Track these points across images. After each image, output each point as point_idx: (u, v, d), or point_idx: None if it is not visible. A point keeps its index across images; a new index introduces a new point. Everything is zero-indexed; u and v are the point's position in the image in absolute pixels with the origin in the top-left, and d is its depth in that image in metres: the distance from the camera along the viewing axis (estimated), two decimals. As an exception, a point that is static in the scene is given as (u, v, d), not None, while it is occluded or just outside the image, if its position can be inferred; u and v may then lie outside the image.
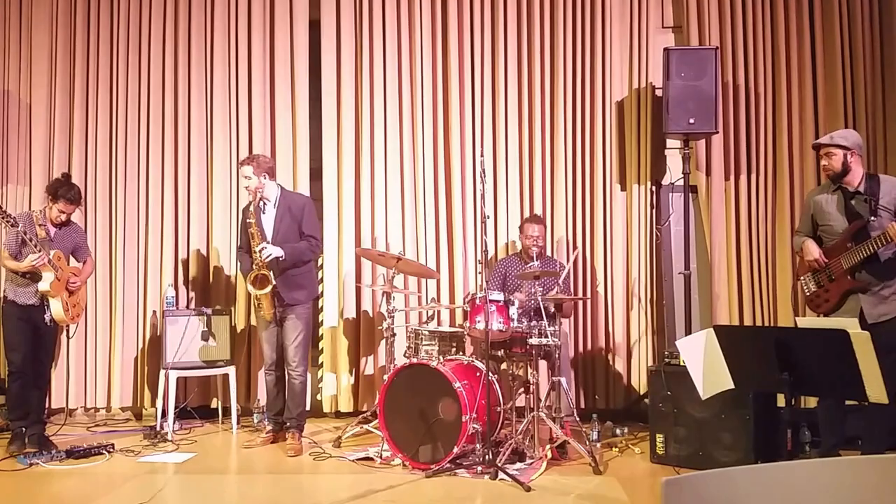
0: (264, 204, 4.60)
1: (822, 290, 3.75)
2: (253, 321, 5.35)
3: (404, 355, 4.55)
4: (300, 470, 4.17)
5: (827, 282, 3.72)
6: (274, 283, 4.42)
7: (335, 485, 3.88)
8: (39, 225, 4.34)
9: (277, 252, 4.44)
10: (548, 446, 4.11)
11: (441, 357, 4.26)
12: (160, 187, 5.56)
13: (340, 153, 5.56)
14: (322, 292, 5.51)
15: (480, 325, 4.13)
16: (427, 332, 4.46)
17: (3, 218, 4.16)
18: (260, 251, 4.39)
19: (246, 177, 4.56)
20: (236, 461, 4.41)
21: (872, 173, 3.79)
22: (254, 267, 4.43)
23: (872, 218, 3.59)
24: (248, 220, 4.54)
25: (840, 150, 3.68)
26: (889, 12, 5.35)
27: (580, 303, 5.33)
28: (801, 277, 3.88)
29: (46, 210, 4.49)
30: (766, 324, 5.23)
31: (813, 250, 3.77)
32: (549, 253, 5.28)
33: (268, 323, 4.59)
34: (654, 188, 5.48)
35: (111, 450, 4.43)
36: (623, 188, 5.50)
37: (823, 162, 3.74)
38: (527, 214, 5.41)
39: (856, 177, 3.71)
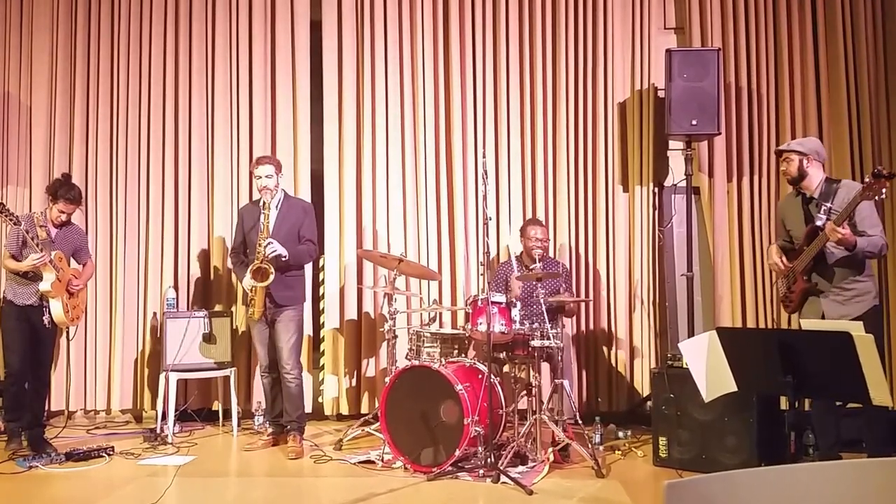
0: (264, 204, 4.55)
1: (788, 292, 3.90)
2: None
3: (406, 357, 4.54)
4: (301, 473, 4.16)
5: (792, 283, 3.87)
6: (273, 274, 4.39)
7: (336, 488, 3.87)
8: (40, 226, 4.35)
9: (282, 250, 4.42)
10: (550, 449, 4.09)
11: (443, 359, 4.25)
12: (161, 189, 5.55)
13: (342, 154, 5.55)
14: (323, 294, 5.51)
15: (482, 327, 4.11)
16: (429, 334, 4.45)
17: (6, 216, 4.17)
18: (266, 246, 4.38)
19: (267, 175, 4.54)
20: (237, 464, 4.40)
21: (835, 178, 3.89)
22: (255, 259, 4.41)
23: (820, 222, 3.67)
24: (243, 217, 4.52)
25: (796, 155, 3.82)
26: (892, 13, 5.34)
27: (583, 305, 5.31)
28: (778, 279, 4.03)
29: (47, 211, 4.50)
30: (770, 326, 5.22)
31: (772, 255, 3.96)
32: (550, 254, 5.26)
33: (256, 322, 4.58)
34: (656, 190, 5.47)
35: (111, 452, 4.41)
36: (625, 190, 5.49)
37: (782, 167, 3.90)
38: (529, 216, 5.40)
39: (813, 182, 3.80)
